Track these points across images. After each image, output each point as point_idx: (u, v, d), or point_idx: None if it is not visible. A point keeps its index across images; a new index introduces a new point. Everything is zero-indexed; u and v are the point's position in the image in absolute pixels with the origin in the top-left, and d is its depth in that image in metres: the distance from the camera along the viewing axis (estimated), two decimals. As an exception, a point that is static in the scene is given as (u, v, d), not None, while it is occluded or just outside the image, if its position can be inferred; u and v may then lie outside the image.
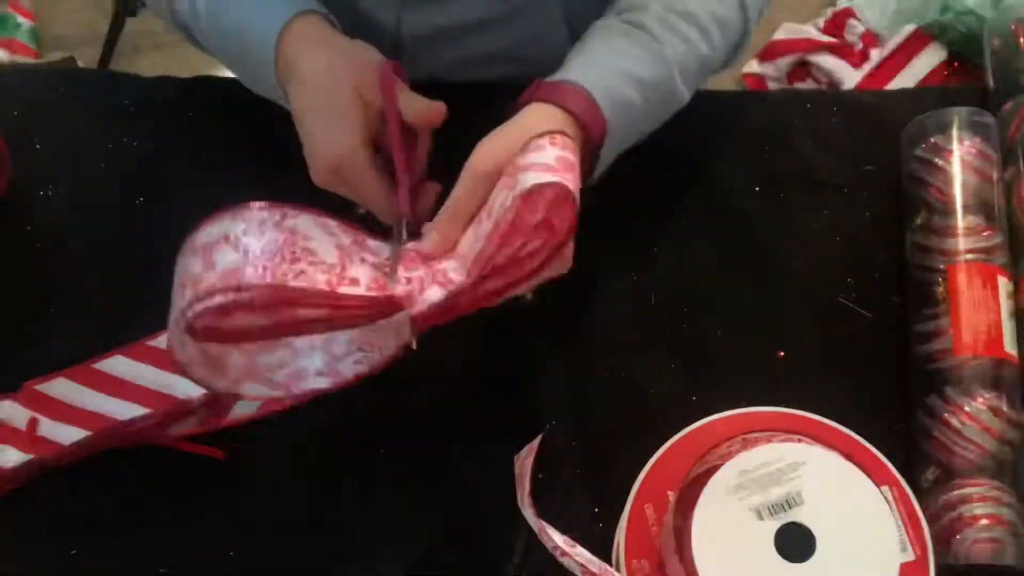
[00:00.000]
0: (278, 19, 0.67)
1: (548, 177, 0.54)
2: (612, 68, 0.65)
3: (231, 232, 0.54)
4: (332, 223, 0.58)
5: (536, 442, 0.61)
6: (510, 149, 0.59)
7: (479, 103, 0.76)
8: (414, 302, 0.57)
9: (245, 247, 0.54)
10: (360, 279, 0.56)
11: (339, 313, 0.57)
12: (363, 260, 0.58)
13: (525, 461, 0.61)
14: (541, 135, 0.58)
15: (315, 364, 0.64)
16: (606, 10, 0.72)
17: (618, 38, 0.67)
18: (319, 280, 0.54)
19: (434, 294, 0.57)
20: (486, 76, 0.82)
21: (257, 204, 0.55)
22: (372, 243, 0.60)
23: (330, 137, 0.64)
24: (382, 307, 0.57)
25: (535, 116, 0.62)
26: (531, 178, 0.54)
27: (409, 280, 0.58)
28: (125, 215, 0.78)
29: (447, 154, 0.75)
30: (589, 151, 0.64)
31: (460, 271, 0.58)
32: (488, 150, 0.60)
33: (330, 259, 0.56)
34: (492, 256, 0.56)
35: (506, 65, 0.82)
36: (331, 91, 0.64)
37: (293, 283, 0.53)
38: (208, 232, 0.55)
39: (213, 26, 0.71)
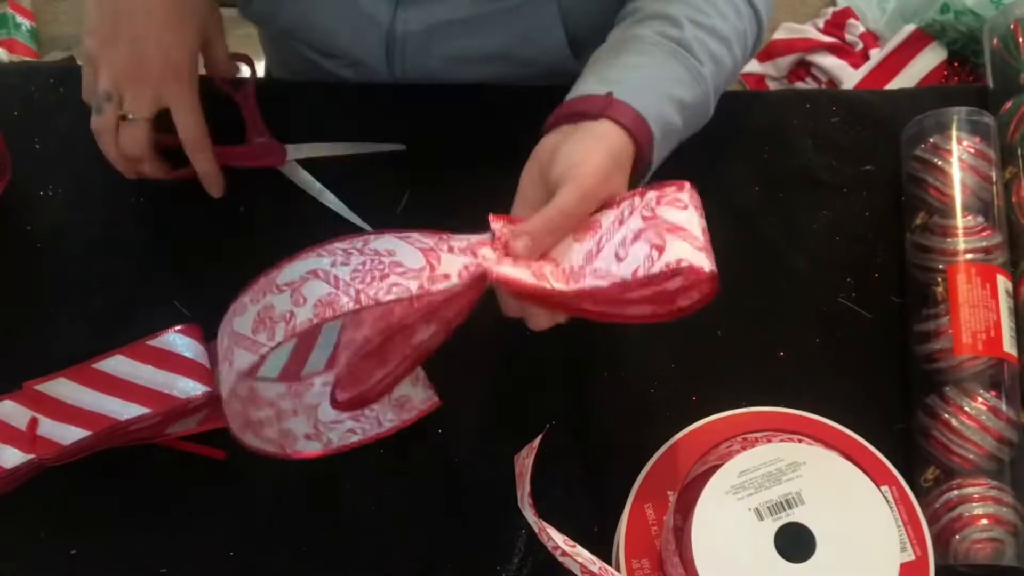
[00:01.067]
0: None
1: (703, 261, 0.53)
2: (663, 93, 0.64)
3: (319, 267, 0.54)
4: (412, 233, 0.57)
5: (536, 442, 0.61)
6: (611, 167, 0.58)
7: (475, 104, 0.77)
8: (500, 262, 0.56)
9: (335, 276, 0.54)
10: (450, 273, 0.55)
11: (437, 307, 0.57)
12: (450, 250, 0.56)
13: (525, 461, 0.61)
14: (680, 186, 0.56)
15: (301, 428, 0.65)
16: (623, 13, 0.71)
17: (665, 58, 0.66)
18: (411, 287, 0.54)
19: (518, 271, 0.55)
20: (481, 75, 0.82)
21: (338, 238, 0.55)
22: (457, 236, 0.58)
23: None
24: (475, 283, 0.56)
25: (614, 136, 0.60)
26: (683, 250, 0.53)
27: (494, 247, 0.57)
28: (125, 215, 0.78)
29: (449, 154, 0.76)
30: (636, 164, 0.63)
31: (556, 276, 0.56)
32: (594, 170, 0.57)
33: (417, 264, 0.55)
34: (607, 292, 0.55)
35: (501, 64, 0.82)
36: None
37: (386, 298, 0.53)
38: (291, 270, 0.55)
39: None
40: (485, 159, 0.78)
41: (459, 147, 0.80)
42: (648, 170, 0.65)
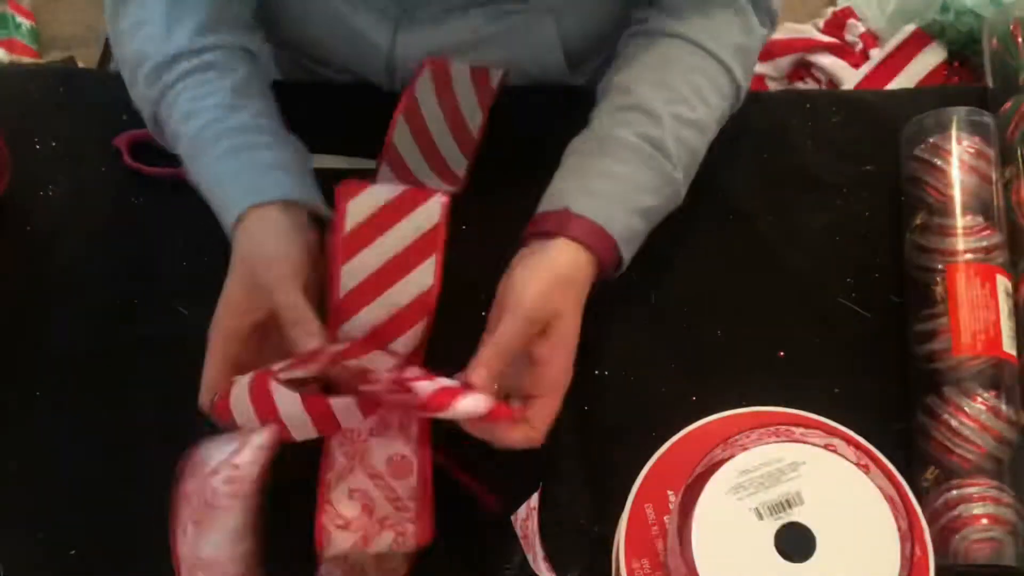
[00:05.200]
0: (245, 200, 0.65)
1: None
2: (631, 206, 0.66)
3: None
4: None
5: (534, 501, 0.61)
6: (552, 287, 0.62)
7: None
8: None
9: None
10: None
11: None
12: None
13: (526, 523, 0.61)
14: None
15: None
16: (607, 90, 0.71)
17: (639, 166, 0.67)
18: None
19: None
20: None
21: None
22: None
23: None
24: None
25: (564, 254, 0.64)
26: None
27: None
28: (125, 215, 0.78)
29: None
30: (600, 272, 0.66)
31: None
32: (531, 297, 0.61)
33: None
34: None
35: None
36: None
37: None
38: None
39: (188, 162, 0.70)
40: (484, 164, 0.78)
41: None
42: (617, 271, 0.68)
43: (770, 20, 0.74)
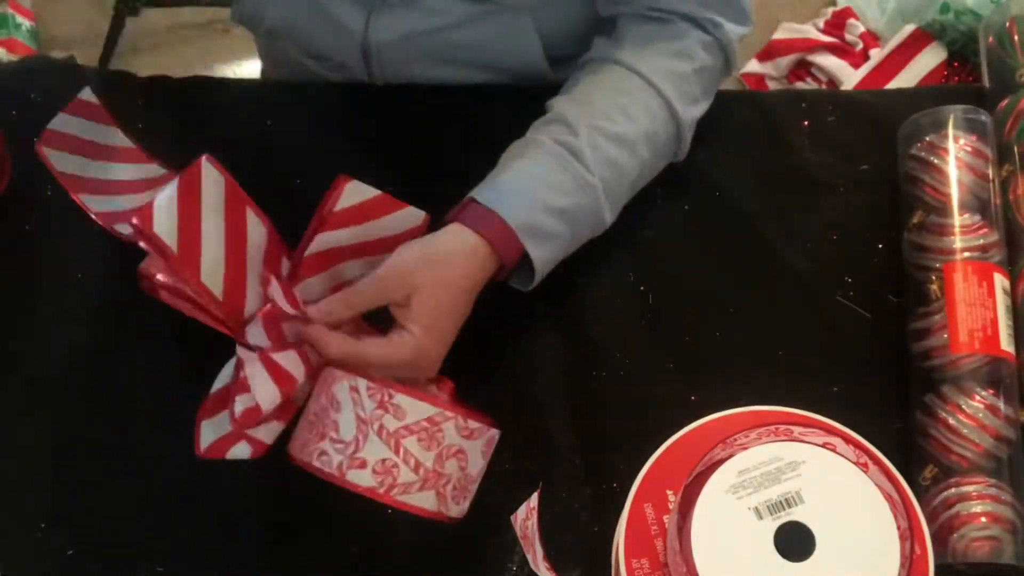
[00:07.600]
0: None
1: None
2: (537, 201, 0.67)
3: None
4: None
5: (534, 501, 0.61)
6: (419, 266, 0.65)
7: (452, 105, 0.77)
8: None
9: None
10: None
11: None
12: None
13: (526, 523, 0.60)
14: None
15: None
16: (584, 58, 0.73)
17: (551, 167, 0.68)
18: None
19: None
20: (459, 80, 0.83)
21: None
22: None
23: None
24: None
25: (449, 236, 0.66)
26: None
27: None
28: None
29: (432, 156, 0.76)
30: (502, 267, 0.68)
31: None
32: (398, 265, 0.65)
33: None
34: None
35: (479, 72, 0.82)
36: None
37: None
38: None
39: None
40: (464, 158, 0.77)
41: (434, 147, 0.80)
42: (522, 267, 0.68)
43: (744, 16, 0.74)
